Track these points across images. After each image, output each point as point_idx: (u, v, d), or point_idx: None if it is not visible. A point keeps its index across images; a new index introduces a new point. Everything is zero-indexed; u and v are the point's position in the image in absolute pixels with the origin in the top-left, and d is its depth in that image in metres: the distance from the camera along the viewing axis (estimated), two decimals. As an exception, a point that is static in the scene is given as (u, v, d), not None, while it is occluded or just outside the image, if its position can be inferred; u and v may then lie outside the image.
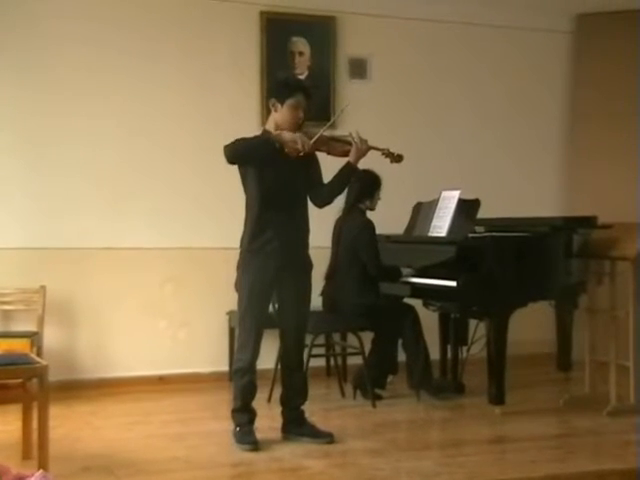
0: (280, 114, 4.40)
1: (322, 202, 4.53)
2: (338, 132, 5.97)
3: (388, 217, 5.64)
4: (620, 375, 5.07)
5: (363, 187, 5.49)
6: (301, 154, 4.28)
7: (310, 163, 4.45)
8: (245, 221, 4.48)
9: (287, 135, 4.31)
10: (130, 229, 6.03)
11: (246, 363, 4.41)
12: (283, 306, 4.52)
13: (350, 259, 5.50)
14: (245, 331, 4.44)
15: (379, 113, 6.60)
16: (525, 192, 6.88)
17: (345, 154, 4.44)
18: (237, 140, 4.35)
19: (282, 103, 4.38)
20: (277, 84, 4.57)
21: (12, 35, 5.82)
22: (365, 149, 4.41)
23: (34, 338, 5.50)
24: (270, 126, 4.46)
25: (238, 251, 4.48)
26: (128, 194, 6.04)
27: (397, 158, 4.56)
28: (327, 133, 4.47)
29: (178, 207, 6.14)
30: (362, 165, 4.62)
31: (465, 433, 4.76)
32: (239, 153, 4.35)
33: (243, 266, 4.45)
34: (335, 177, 4.47)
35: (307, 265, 4.54)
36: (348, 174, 4.47)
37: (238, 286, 4.47)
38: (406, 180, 6.20)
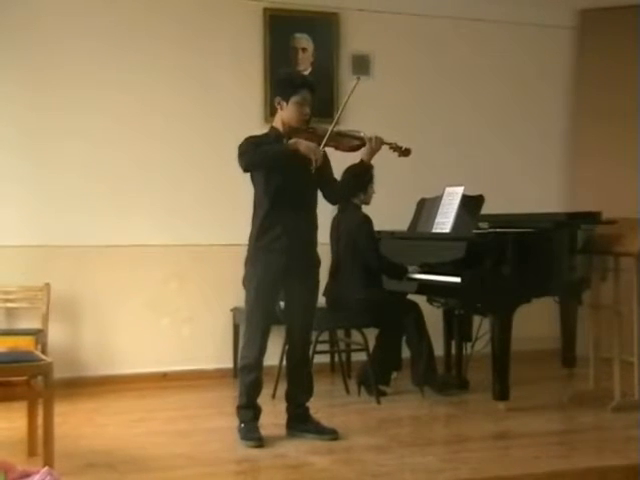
0: (286, 112, 4.38)
1: (336, 199, 4.59)
2: (341, 127, 5.99)
3: (392, 213, 5.64)
4: (624, 371, 5.06)
5: (355, 182, 5.47)
6: (312, 167, 4.24)
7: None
8: (253, 217, 4.47)
9: (303, 147, 4.25)
10: (134, 226, 6.04)
11: (253, 360, 4.41)
12: (290, 303, 4.52)
13: (351, 256, 5.49)
14: (252, 327, 4.44)
15: (382, 109, 6.58)
16: (528, 188, 6.87)
17: (353, 149, 4.43)
18: (254, 150, 4.28)
19: (287, 101, 4.36)
20: (280, 82, 4.53)
21: (15, 32, 5.82)
22: (378, 148, 4.39)
23: (38, 336, 5.51)
24: (277, 124, 4.45)
25: (243, 247, 4.49)
26: (132, 192, 6.05)
27: (405, 152, 4.53)
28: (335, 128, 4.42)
29: (182, 204, 6.14)
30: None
31: (469, 429, 4.76)
32: (256, 164, 4.32)
33: (251, 262, 4.44)
34: (349, 175, 4.50)
35: (315, 262, 4.54)
36: (363, 172, 4.50)
37: (246, 282, 4.47)
38: (410, 176, 6.20)
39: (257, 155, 4.30)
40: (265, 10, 6.34)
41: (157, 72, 6.12)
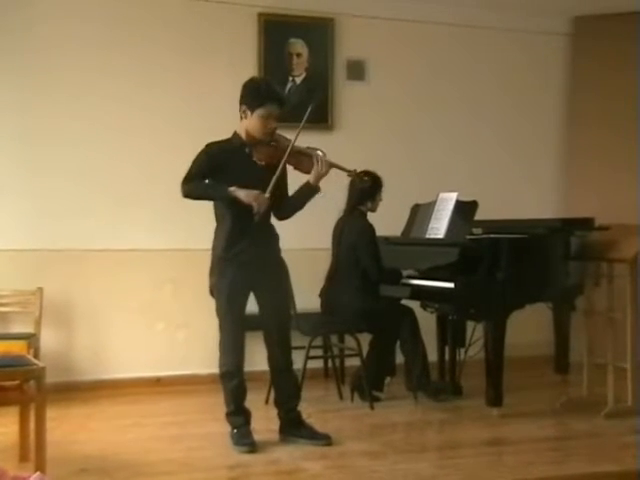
0: (249, 122, 4.35)
1: (282, 216, 4.52)
2: (335, 133, 5.99)
3: (386, 219, 5.63)
4: (618, 377, 5.07)
5: (364, 189, 5.48)
6: (255, 215, 4.26)
7: (279, 175, 4.36)
8: (216, 230, 4.48)
9: (242, 194, 4.25)
10: (128, 230, 6.03)
11: (232, 366, 4.43)
12: (263, 309, 4.51)
13: (350, 262, 5.49)
14: (226, 336, 4.45)
15: (377, 115, 6.60)
16: (524, 194, 6.89)
17: (309, 171, 4.39)
18: (192, 185, 4.34)
19: (252, 112, 4.33)
20: (248, 91, 4.41)
21: (11, 38, 5.81)
22: (324, 172, 4.35)
23: (31, 340, 5.49)
24: (241, 130, 4.42)
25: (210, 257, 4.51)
26: (126, 196, 6.04)
27: (362, 181, 4.59)
28: (298, 144, 4.37)
29: (176, 208, 6.08)
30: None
31: (463, 435, 4.76)
32: (194, 198, 4.40)
33: (218, 272, 4.46)
34: (295, 194, 4.47)
35: (282, 267, 4.56)
36: (308, 194, 4.43)
37: (215, 292, 4.49)
38: (404, 182, 6.20)
39: (198, 190, 4.35)
40: (260, 15, 6.34)
41: (153, 78, 6.11)
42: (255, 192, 4.25)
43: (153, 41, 6.11)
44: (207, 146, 4.43)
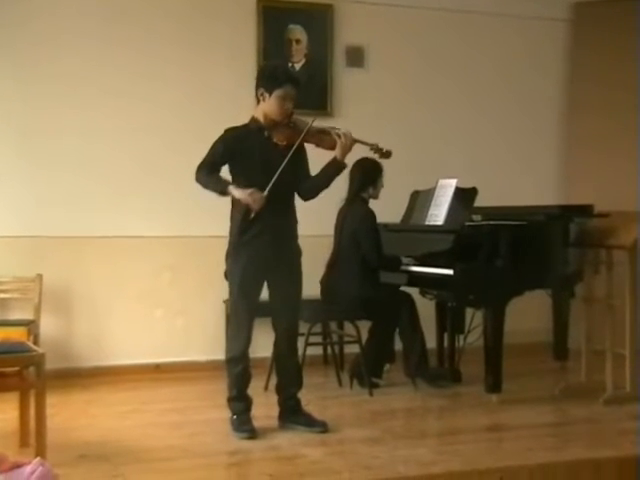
0: (268, 105, 4.36)
1: (308, 196, 4.51)
2: (334, 120, 5.97)
3: (385, 205, 5.63)
4: (616, 363, 5.08)
5: (365, 176, 5.49)
6: (251, 215, 4.28)
7: (298, 155, 4.38)
8: (232, 213, 4.46)
9: (237, 193, 4.28)
10: (127, 218, 6.02)
11: (239, 352, 4.42)
12: (274, 295, 4.51)
13: (351, 249, 5.49)
14: (237, 321, 4.45)
15: (376, 101, 6.59)
16: (523, 181, 6.88)
17: (332, 148, 4.38)
18: (202, 174, 4.39)
19: (270, 93, 4.33)
20: (265, 74, 4.44)
21: (10, 27, 5.79)
22: (349, 145, 4.35)
23: (31, 326, 5.50)
24: (259, 114, 4.43)
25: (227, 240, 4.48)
26: (125, 183, 6.04)
27: (386, 154, 4.54)
28: (317, 124, 4.37)
29: (175, 196, 6.12)
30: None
31: (462, 421, 4.77)
32: (201, 186, 4.43)
33: (233, 257, 4.44)
34: (321, 172, 4.44)
35: (296, 254, 4.53)
36: (335, 170, 4.42)
37: (229, 276, 4.48)
38: (403, 168, 6.19)
39: (203, 180, 4.39)
40: (259, 1, 6.31)
41: (152, 66, 6.09)
42: (250, 190, 4.25)
43: (151, 31, 6.09)
44: (224, 132, 4.44)
